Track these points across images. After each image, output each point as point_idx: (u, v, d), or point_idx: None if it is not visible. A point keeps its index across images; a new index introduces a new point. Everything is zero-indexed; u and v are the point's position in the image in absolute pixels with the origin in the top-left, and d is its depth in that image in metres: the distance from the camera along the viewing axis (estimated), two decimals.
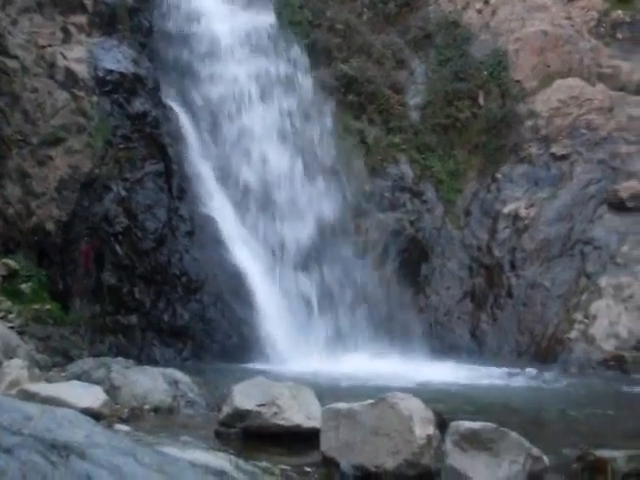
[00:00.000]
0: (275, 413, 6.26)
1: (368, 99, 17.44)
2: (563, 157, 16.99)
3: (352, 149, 16.81)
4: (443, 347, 15.31)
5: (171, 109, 15.45)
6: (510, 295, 15.69)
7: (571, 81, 18.12)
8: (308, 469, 5.34)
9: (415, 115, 17.90)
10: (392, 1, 19.00)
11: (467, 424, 5.13)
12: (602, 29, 20.06)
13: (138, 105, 14.59)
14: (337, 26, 18.00)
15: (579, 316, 14.73)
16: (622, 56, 19.32)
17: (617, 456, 5.38)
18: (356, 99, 17.29)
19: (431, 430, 5.21)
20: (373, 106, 17.47)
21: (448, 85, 17.96)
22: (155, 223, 13.88)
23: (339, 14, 18.27)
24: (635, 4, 20.26)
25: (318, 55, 17.49)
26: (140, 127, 14.48)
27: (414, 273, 16.26)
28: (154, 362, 11.64)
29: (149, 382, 7.62)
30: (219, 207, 14.94)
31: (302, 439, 6.03)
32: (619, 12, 20.21)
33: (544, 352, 14.75)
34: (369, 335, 14.71)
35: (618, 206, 15.91)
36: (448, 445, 5.13)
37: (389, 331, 15.14)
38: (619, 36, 20.03)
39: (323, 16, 18.13)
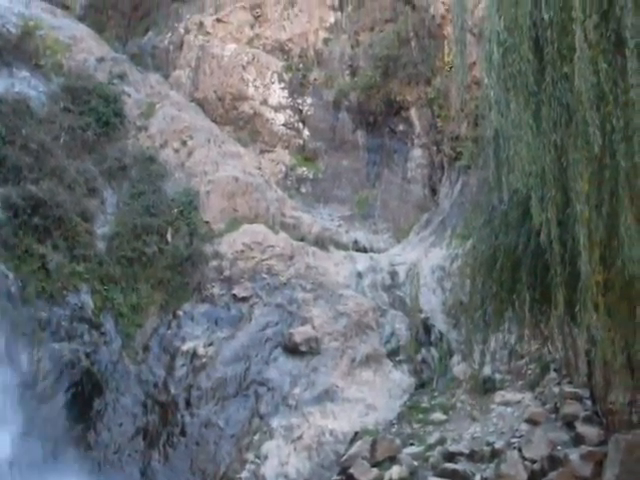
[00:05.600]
0: None
1: (55, 224, 16.84)
2: (244, 299, 17.54)
3: (31, 273, 16.06)
4: None
5: None
6: (184, 434, 15.51)
7: (256, 227, 18.99)
8: None
9: (102, 245, 17.59)
10: (91, 129, 18.92)
11: None
12: (288, 182, 21.50)
13: None
14: (31, 145, 17.44)
15: (251, 456, 14.89)
16: (304, 209, 20.72)
17: None
18: (42, 222, 16.65)
19: None
20: (59, 231, 16.89)
21: (138, 218, 17.96)
22: None
23: (35, 134, 17.76)
24: (317, 164, 22.00)
25: (7, 172, 16.80)
26: None
27: (86, 407, 15.55)
28: None
29: None
30: None
31: None
32: (304, 169, 21.86)
33: None
34: (34, 473, 13.68)
35: (292, 349, 16.62)
36: None
37: (55, 470, 14.24)
38: (303, 190, 21.56)
39: (18, 133, 17.52)
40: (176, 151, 19.84)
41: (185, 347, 16.68)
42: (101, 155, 18.88)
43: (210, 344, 16.71)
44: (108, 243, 17.62)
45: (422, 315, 17.93)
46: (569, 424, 13.26)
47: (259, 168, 20.99)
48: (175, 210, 18.50)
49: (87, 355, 16.01)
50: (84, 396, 15.60)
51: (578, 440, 12.64)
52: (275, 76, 22.95)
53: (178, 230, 18.20)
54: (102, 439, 15.38)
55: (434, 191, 21.73)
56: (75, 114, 18.94)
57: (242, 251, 18.23)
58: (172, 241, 17.99)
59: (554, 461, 12.09)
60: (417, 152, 22.07)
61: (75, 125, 18.68)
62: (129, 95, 20.90)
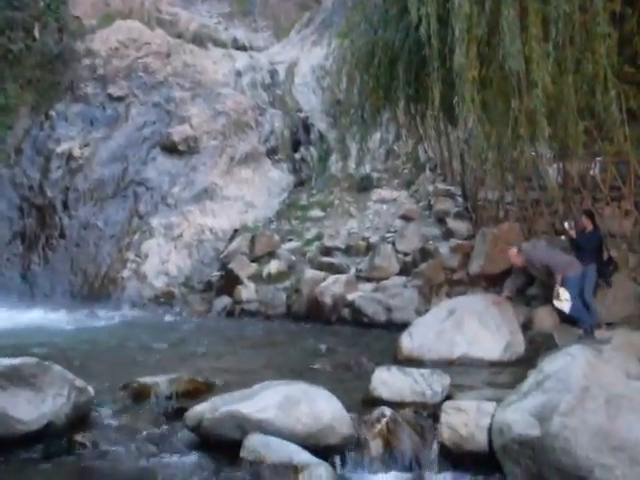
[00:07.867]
0: None
1: None
2: (119, 98, 17.03)
3: None
4: None
5: None
6: (63, 236, 15.40)
7: (131, 23, 18.18)
8: None
9: None
10: None
11: (6, 361, 4.94)
12: None
13: None
14: None
15: (131, 255, 14.99)
16: (181, 4, 19.89)
17: (159, 381, 5.64)
18: None
19: None
20: None
21: (0, 13, 16.84)
22: None
23: None
24: None
25: None
26: None
27: None
28: None
29: None
30: None
31: None
32: None
33: (98, 291, 14.74)
34: None
35: (170, 148, 16.43)
36: None
37: None
38: None
39: None
40: None
41: (60, 149, 16.23)
42: None
43: (86, 145, 16.31)
44: None
45: (302, 114, 17.93)
46: (441, 220, 13.83)
47: None
48: (42, 3, 17.39)
49: None
50: None
51: (448, 234, 13.23)
52: None
53: (46, 25, 17.20)
54: None
55: None
56: None
57: (116, 48, 17.50)
58: (40, 37, 17.04)
59: (425, 253, 12.62)
60: None
61: None
62: None
